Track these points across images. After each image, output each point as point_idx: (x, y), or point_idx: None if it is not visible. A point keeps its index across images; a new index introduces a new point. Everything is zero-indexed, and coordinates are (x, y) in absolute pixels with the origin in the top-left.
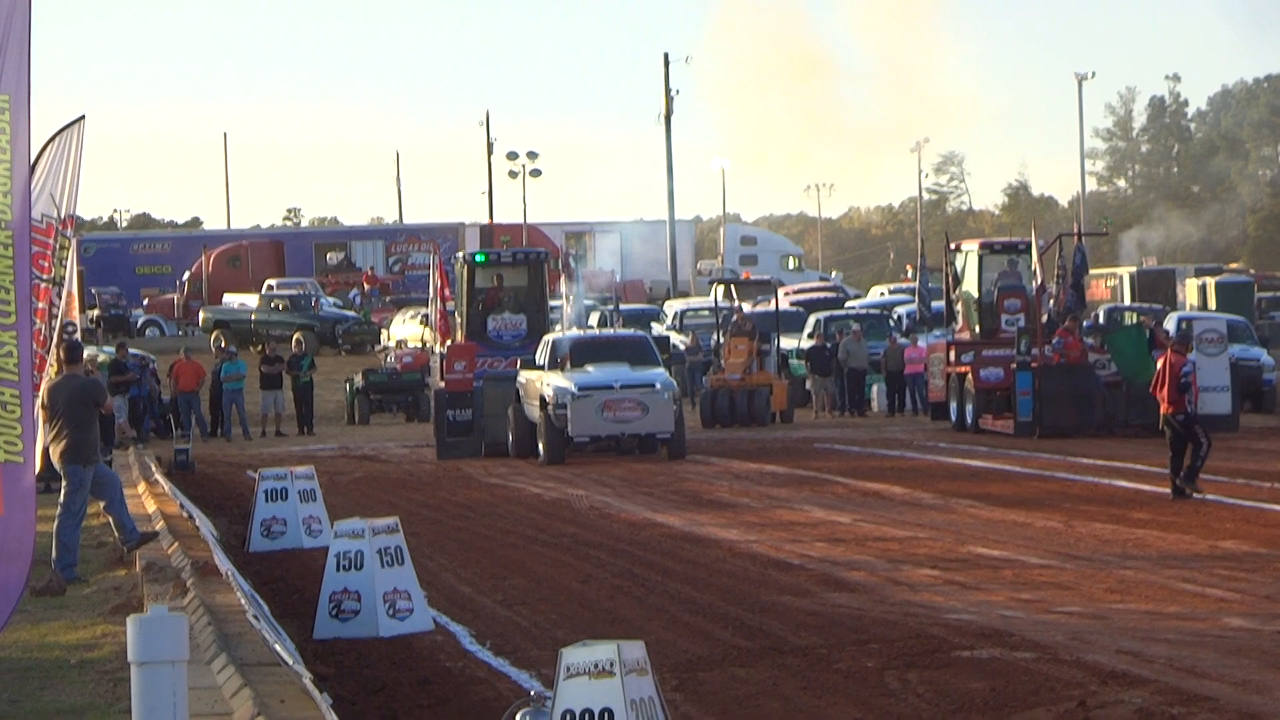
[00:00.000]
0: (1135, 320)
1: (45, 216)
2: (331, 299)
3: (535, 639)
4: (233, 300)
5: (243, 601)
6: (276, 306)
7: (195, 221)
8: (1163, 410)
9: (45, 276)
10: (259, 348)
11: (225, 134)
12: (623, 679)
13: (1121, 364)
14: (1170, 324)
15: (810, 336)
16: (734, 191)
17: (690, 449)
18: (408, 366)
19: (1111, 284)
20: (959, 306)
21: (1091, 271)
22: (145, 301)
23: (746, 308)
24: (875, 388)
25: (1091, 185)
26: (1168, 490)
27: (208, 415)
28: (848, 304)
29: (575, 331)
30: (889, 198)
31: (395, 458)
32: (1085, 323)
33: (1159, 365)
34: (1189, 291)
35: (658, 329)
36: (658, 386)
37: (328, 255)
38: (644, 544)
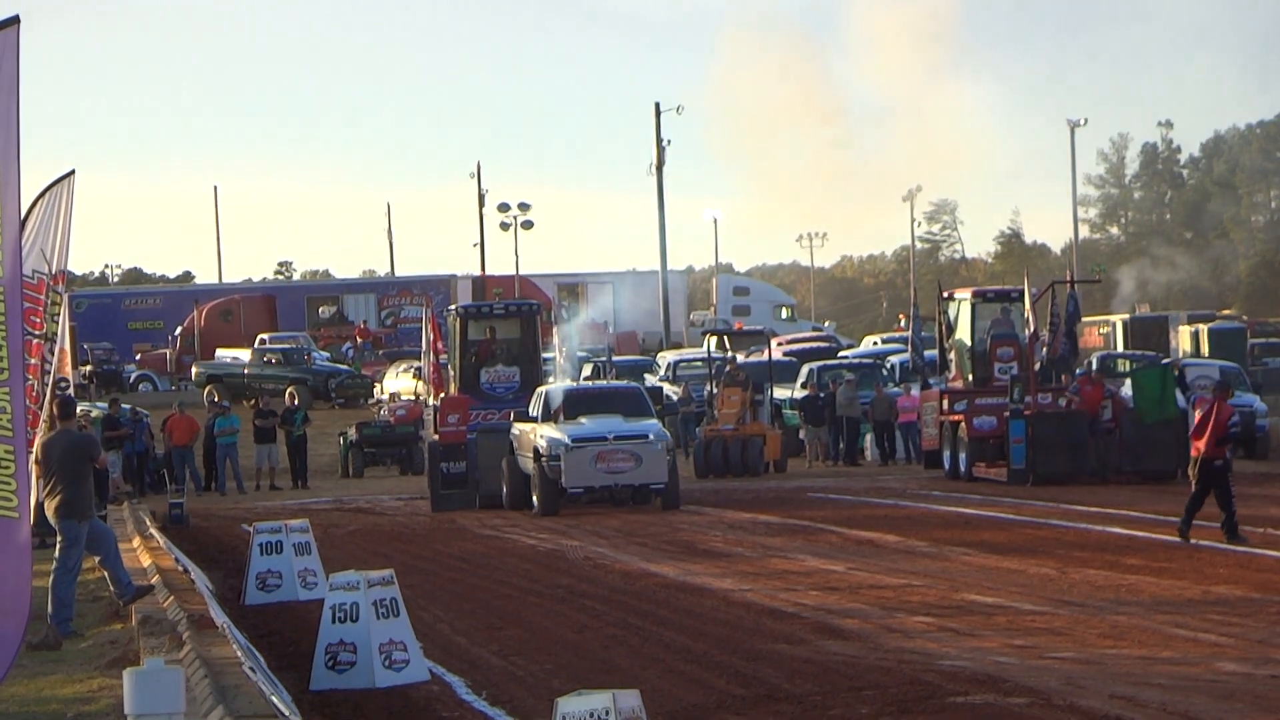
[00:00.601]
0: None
1: (36, 272)
2: (324, 352)
3: (531, 689)
4: (225, 355)
5: (239, 654)
6: (269, 360)
7: (187, 276)
8: (1203, 454)
9: (37, 332)
10: (252, 402)
11: (216, 188)
12: None
13: (1142, 402)
14: None
15: (803, 386)
16: (726, 242)
17: (684, 499)
18: (401, 419)
19: (1104, 331)
20: (952, 355)
21: (1084, 319)
22: (138, 356)
23: (740, 358)
24: (869, 437)
25: (1084, 232)
26: (1161, 536)
27: (201, 469)
28: (841, 353)
29: (568, 383)
30: (882, 247)
31: (389, 510)
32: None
33: (1199, 411)
34: (1182, 338)
35: (651, 380)
36: (651, 437)
37: (320, 309)
38: (639, 594)
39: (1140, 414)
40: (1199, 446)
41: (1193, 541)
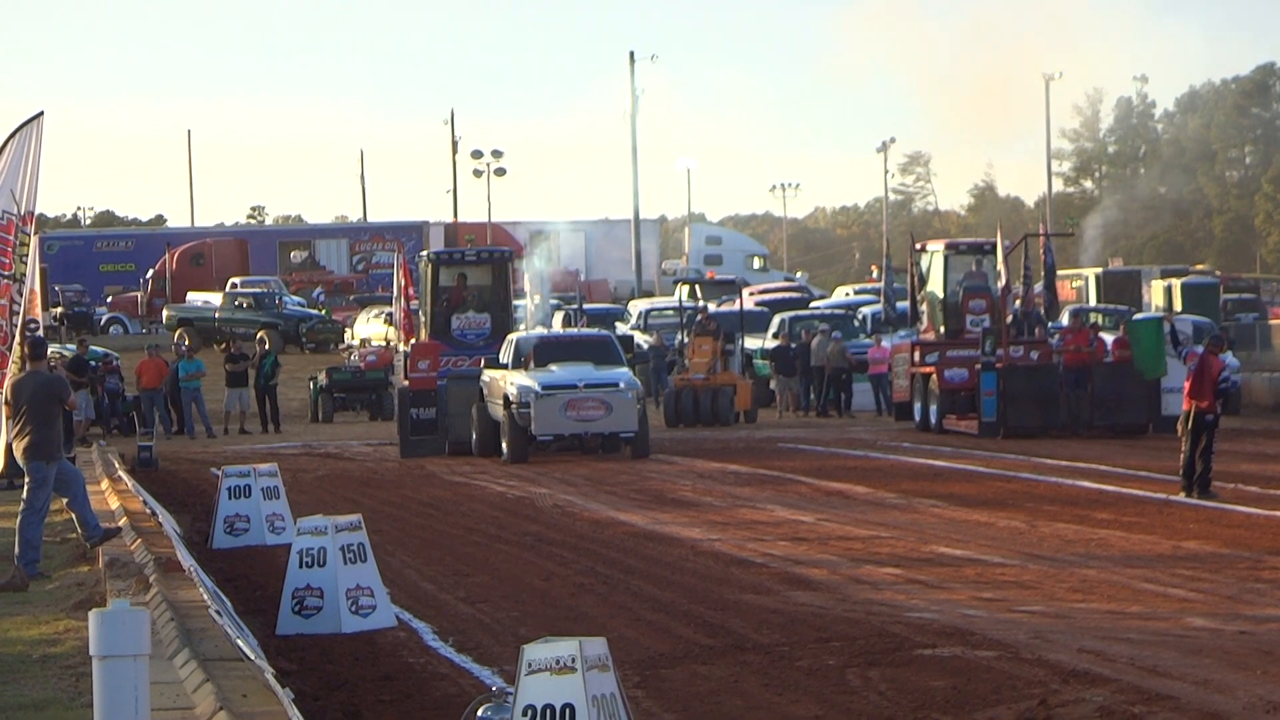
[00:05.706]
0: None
1: (5, 213)
2: (295, 297)
3: (498, 636)
4: (196, 298)
5: (205, 597)
6: (241, 304)
7: (159, 219)
8: (1196, 407)
9: (6, 273)
10: (223, 346)
11: (189, 131)
12: (584, 675)
13: (1138, 354)
14: None
15: (775, 336)
16: (699, 191)
17: (654, 448)
18: (371, 365)
19: (1077, 285)
20: (924, 307)
21: (1058, 272)
22: (109, 299)
23: (711, 307)
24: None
25: (1058, 186)
26: (1131, 491)
27: (171, 413)
28: (813, 304)
29: (539, 331)
30: (855, 198)
31: (359, 456)
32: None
33: (1190, 364)
34: (1155, 292)
35: (622, 328)
36: (621, 386)
37: (292, 253)
38: (607, 542)
39: (1140, 369)
40: (1192, 401)
41: (1199, 499)
